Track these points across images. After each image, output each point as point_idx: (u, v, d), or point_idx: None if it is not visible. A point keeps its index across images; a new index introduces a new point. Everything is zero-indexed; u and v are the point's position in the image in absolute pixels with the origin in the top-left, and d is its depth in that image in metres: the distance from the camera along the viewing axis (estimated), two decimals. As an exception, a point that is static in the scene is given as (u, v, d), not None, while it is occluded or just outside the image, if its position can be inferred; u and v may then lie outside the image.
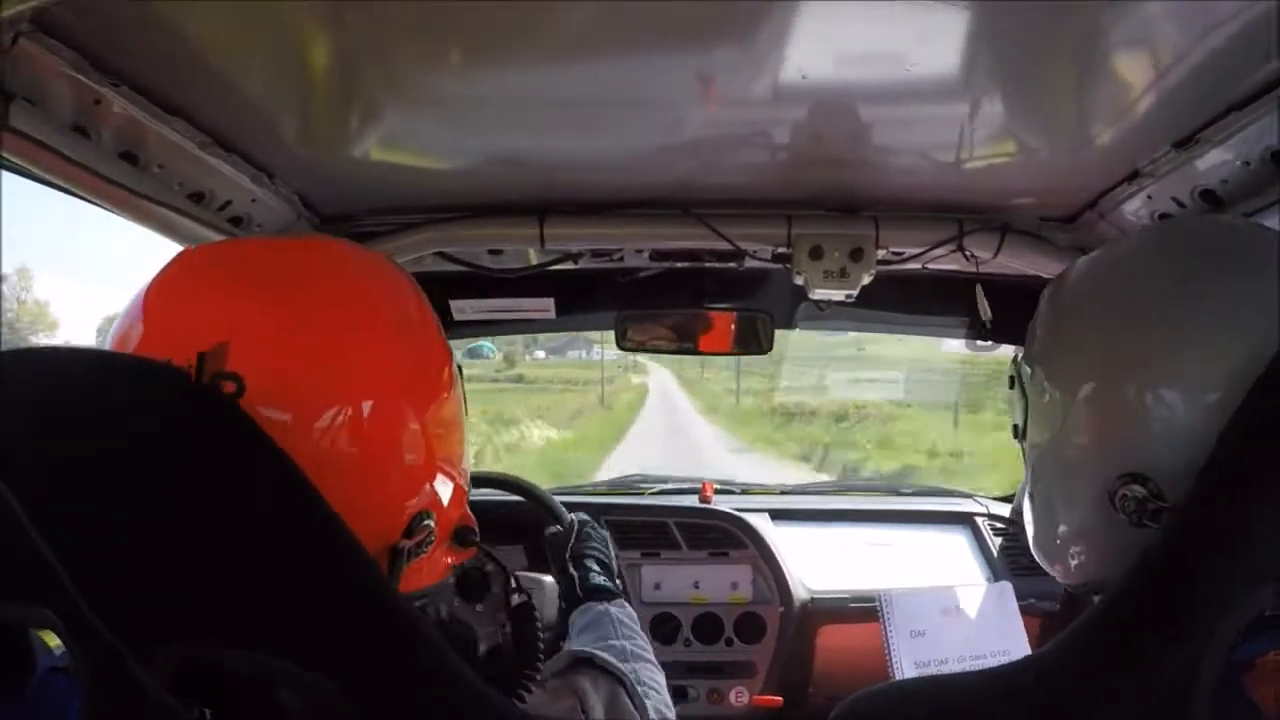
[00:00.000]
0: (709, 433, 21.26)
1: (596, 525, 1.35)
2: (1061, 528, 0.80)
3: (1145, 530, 0.68)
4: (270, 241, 0.80)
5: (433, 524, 0.75)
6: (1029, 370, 0.83)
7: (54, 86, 0.84)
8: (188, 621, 0.54)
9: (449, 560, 0.82)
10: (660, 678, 1.10)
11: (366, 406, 0.70)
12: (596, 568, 1.27)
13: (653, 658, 1.13)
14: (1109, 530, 0.73)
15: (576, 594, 1.23)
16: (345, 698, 0.56)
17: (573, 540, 1.31)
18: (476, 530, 0.83)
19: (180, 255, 0.77)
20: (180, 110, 0.98)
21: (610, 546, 1.33)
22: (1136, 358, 0.71)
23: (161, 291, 0.73)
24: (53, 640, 0.56)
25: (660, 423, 22.89)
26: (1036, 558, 0.85)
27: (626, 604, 1.22)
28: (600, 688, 0.96)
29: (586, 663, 0.99)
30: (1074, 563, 0.80)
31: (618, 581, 1.28)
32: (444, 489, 0.77)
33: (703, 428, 22.34)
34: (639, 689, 0.99)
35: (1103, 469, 0.73)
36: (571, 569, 1.26)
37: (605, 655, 1.01)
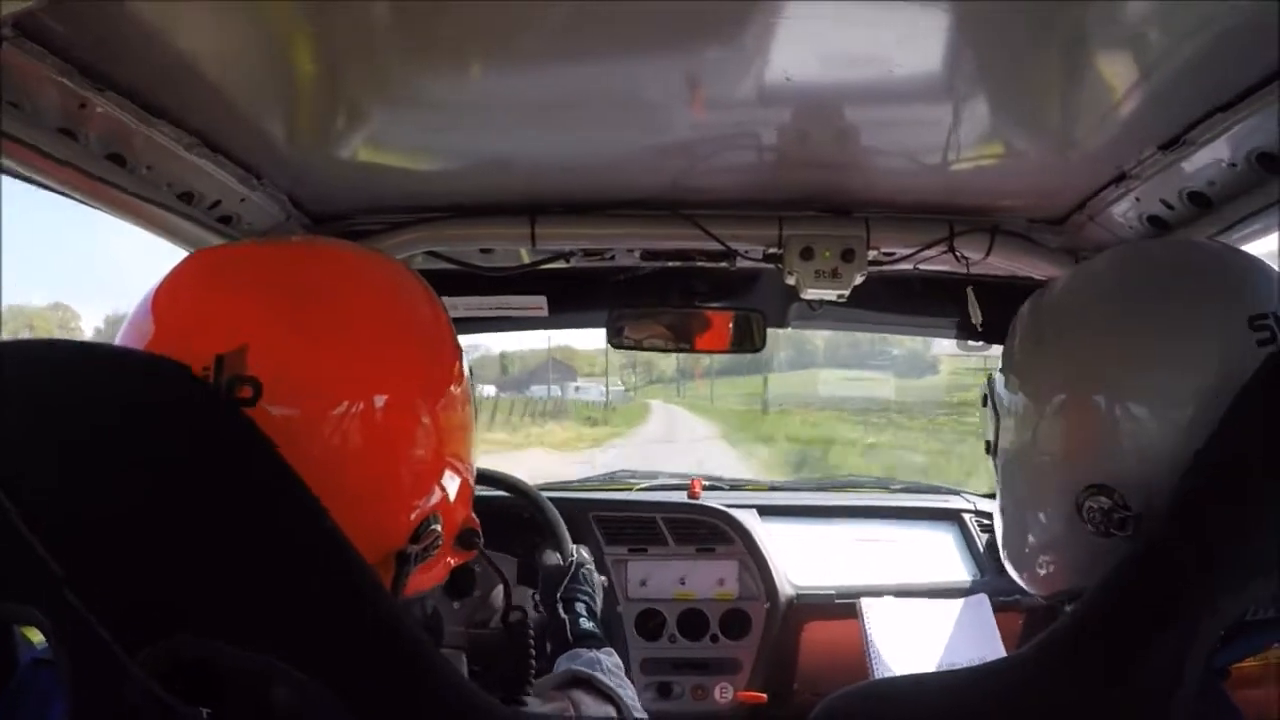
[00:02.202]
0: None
1: (594, 569, 1.35)
2: (1030, 538, 0.82)
3: (1112, 540, 0.70)
4: (280, 244, 0.80)
5: (439, 529, 0.75)
6: (1003, 382, 0.85)
7: (39, 91, 0.84)
8: (183, 620, 0.54)
9: (451, 562, 0.83)
10: None
11: (379, 401, 0.70)
12: (585, 613, 1.27)
13: (640, 707, 1.15)
14: (1076, 541, 0.75)
15: (567, 637, 1.24)
16: (337, 698, 0.56)
17: (567, 580, 1.30)
18: (480, 534, 0.84)
19: (191, 257, 0.77)
20: (166, 112, 0.98)
21: (600, 594, 1.34)
22: (1105, 374, 0.74)
23: (175, 293, 0.72)
24: (35, 636, 0.56)
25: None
26: (1007, 568, 0.87)
27: (613, 652, 1.23)
28: (598, 709, 0.98)
29: (585, 683, 1.02)
30: (1042, 572, 0.82)
31: (600, 627, 1.29)
32: (451, 485, 0.77)
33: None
34: (634, 714, 1.00)
35: (1070, 479, 0.75)
36: (561, 611, 1.26)
37: (602, 678, 1.03)
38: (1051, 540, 0.80)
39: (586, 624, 1.25)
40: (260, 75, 0.96)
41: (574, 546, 1.37)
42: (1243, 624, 0.63)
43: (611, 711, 0.99)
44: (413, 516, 0.74)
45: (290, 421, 0.65)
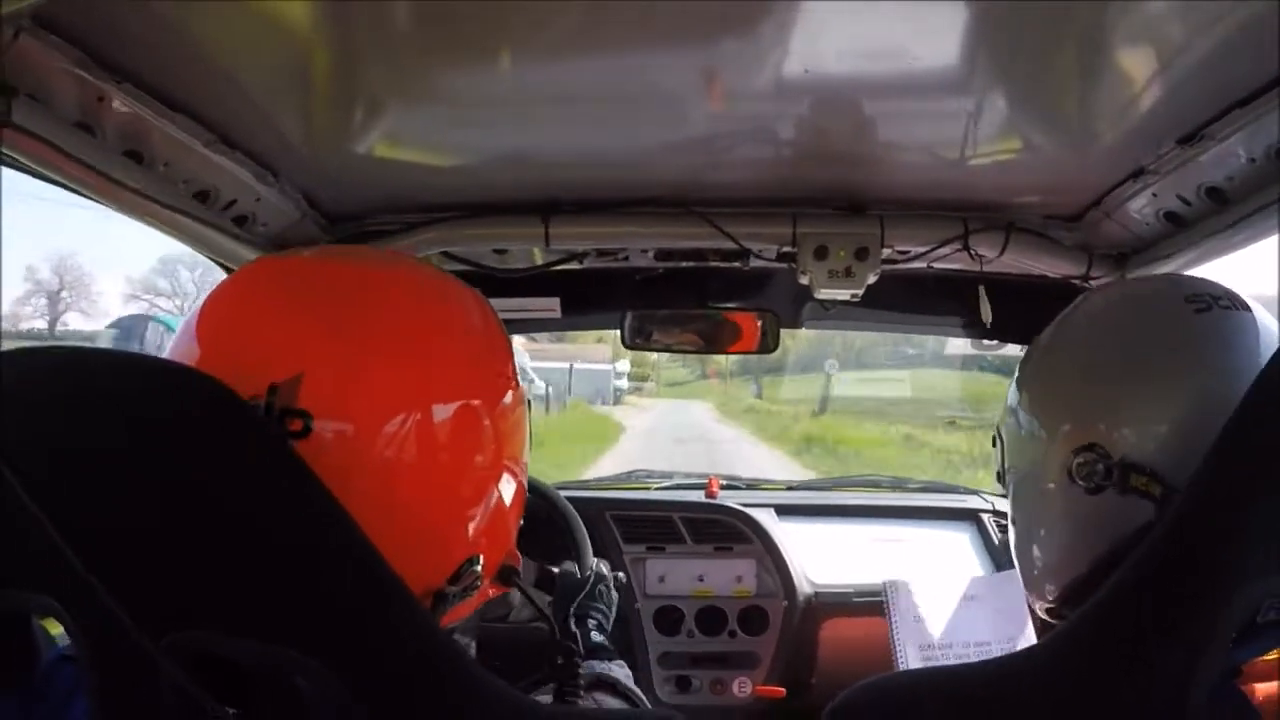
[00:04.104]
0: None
1: (611, 586, 1.35)
2: (1038, 555, 0.90)
3: (1101, 497, 0.79)
4: (327, 258, 0.78)
5: (479, 570, 0.74)
6: (1015, 413, 0.94)
7: (57, 83, 0.84)
8: (200, 612, 0.54)
9: (491, 594, 0.83)
10: None
11: (438, 410, 0.69)
12: (595, 628, 1.28)
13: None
14: (1077, 519, 0.82)
15: (578, 651, 1.22)
16: (352, 692, 0.56)
17: (583, 595, 1.30)
18: (519, 571, 0.84)
19: (242, 272, 0.75)
20: (184, 107, 0.98)
21: (614, 611, 1.34)
22: (1105, 405, 0.82)
23: (226, 311, 0.71)
24: (55, 629, 0.56)
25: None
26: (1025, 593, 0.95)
27: (624, 664, 1.23)
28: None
29: (609, 685, 1.04)
30: (1050, 594, 0.89)
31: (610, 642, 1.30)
32: (508, 489, 0.77)
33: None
34: None
35: (1063, 459, 0.83)
36: (573, 625, 1.27)
37: (629, 685, 1.05)
38: (1054, 537, 0.87)
39: (597, 637, 1.26)
40: (278, 70, 0.96)
41: (594, 560, 1.36)
42: (1253, 626, 0.63)
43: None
44: (470, 528, 0.73)
45: (345, 438, 0.64)
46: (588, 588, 1.31)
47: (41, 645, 0.65)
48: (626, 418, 22.98)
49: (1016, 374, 0.97)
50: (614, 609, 1.34)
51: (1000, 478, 0.97)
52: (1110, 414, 0.81)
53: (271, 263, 0.81)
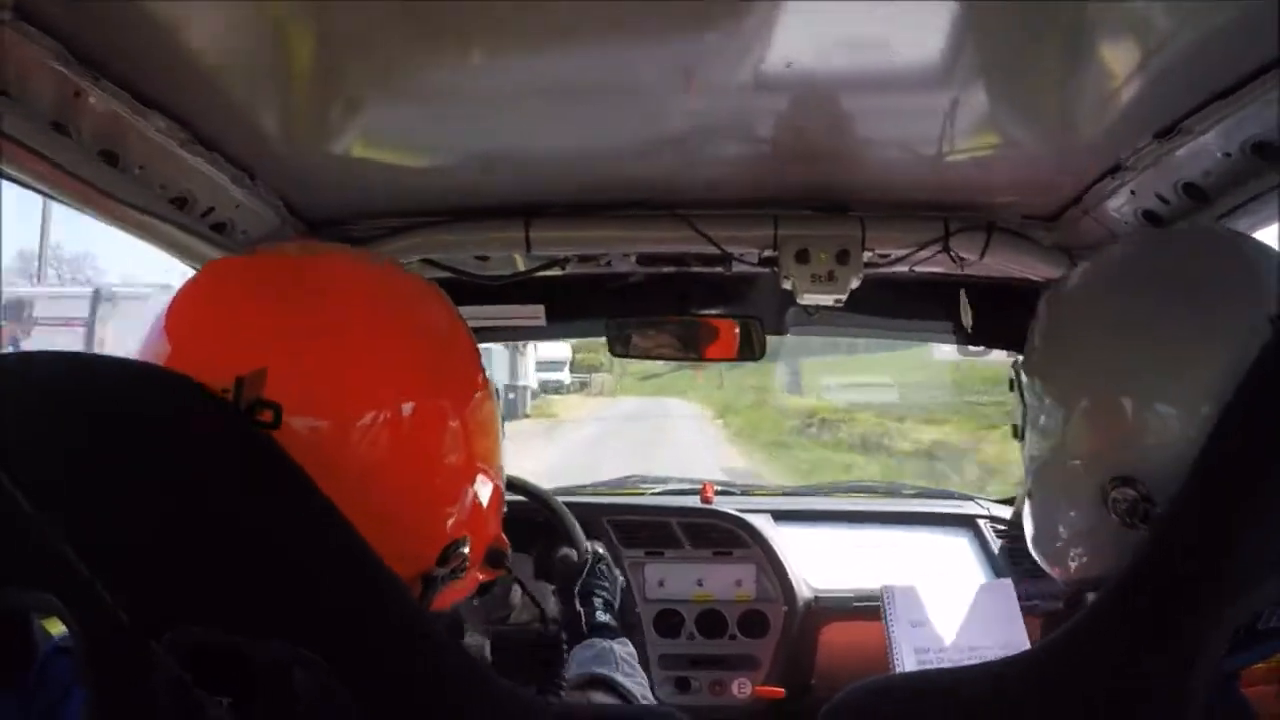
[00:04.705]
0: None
1: (610, 563, 1.37)
2: (1061, 529, 0.82)
3: (1138, 531, 0.70)
4: (291, 255, 0.79)
5: (467, 551, 0.75)
6: (1027, 379, 0.85)
7: (35, 78, 0.84)
8: (195, 607, 0.54)
9: (480, 578, 0.83)
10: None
11: (406, 409, 0.69)
12: (601, 606, 1.29)
13: (652, 697, 1.17)
14: (1106, 531, 0.74)
15: (582, 630, 1.25)
16: (347, 686, 0.56)
17: (585, 575, 1.32)
18: (509, 553, 0.84)
19: (205, 270, 0.75)
20: (161, 105, 0.98)
21: (619, 587, 1.35)
22: (1126, 374, 0.73)
23: (190, 309, 0.71)
24: (56, 628, 0.56)
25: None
26: (1037, 558, 0.87)
27: (628, 642, 1.24)
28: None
29: (603, 683, 1.04)
30: (1074, 564, 0.82)
31: (617, 621, 1.31)
32: (484, 490, 0.77)
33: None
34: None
35: (1097, 475, 0.74)
36: (578, 604, 1.28)
37: (623, 680, 1.06)
38: (1081, 531, 0.79)
39: (602, 616, 1.27)
40: (255, 67, 0.96)
41: (589, 542, 1.39)
42: (1254, 632, 0.63)
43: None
44: (448, 525, 0.73)
45: (317, 435, 0.64)
46: (588, 566, 1.33)
47: (40, 643, 0.65)
48: (546, 434, 16.96)
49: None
50: (618, 586, 1.35)
51: (1018, 431, 0.89)
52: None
53: (239, 260, 0.81)
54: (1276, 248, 0.88)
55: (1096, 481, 0.74)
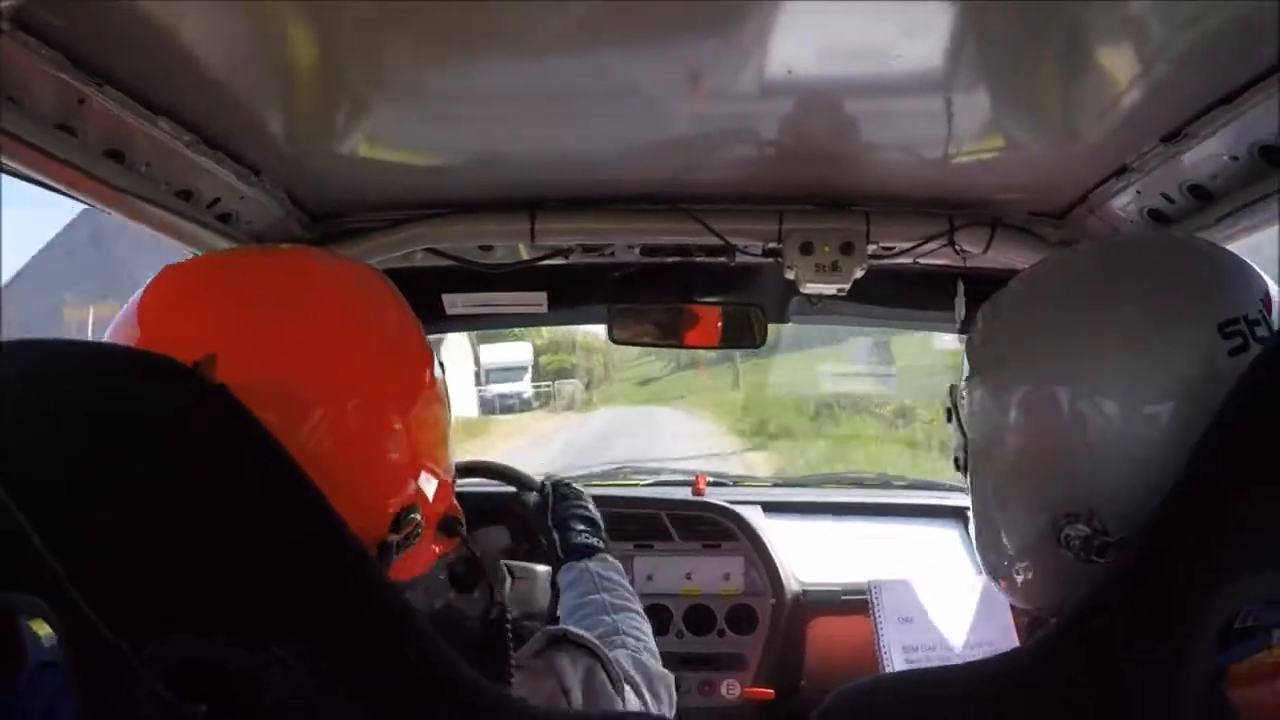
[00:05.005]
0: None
1: (570, 483, 1.37)
2: (1007, 548, 0.83)
3: (1092, 565, 0.70)
4: (252, 255, 0.85)
5: (418, 517, 0.79)
6: (967, 386, 0.85)
7: (37, 85, 0.83)
8: (183, 613, 0.54)
9: (436, 549, 0.86)
10: (645, 626, 1.14)
11: (350, 407, 0.74)
12: (581, 525, 1.28)
13: (636, 605, 1.16)
14: (1061, 569, 0.75)
15: (558, 557, 1.25)
16: (337, 685, 0.56)
17: (552, 504, 1.32)
18: (463, 520, 0.86)
19: (166, 270, 0.80)
20: (165, 109, 0.97)
21: (589, 499, 1.35)
22: (1070, 377, 0.73)
23: (150, 305, 0.76)
24: (43, 630, 0.56)
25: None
26: (985, 575, 0.89)
27: (609, 557, 1.23)
28: (578, 664, 0.97)
29: (561, 640, 1.00)
30: (1019, 579, 0.83)
31: (603, 536, 1.29)
32: (428, 485, 0.81)
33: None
34: (614, 664, 1.00)
35: (1044, 497, 0.76)
36: (555, 534, 1.27)
37: (580, 631, 1.02)
38: (1028, 552, 0.81)
39: (577, 537, 1.26)
40: (260, 70, 0.95)
41: (543, 477, 1.40)
42: (1231, 630, 0.63)
43: (591, 662, 0.97)
44: (390, 510, 0.77)
45: (265, 420, 0.66)
46: (550, 495, 1.33)
47: (29, 648, 0.65)
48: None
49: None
50: (591, 504, 1.34)
51: (958, 464, 0.89)
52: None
53: (200, 259, 0.88)
54: (1277, 247, 0.89)
55: (1045, 507, 0.75)
